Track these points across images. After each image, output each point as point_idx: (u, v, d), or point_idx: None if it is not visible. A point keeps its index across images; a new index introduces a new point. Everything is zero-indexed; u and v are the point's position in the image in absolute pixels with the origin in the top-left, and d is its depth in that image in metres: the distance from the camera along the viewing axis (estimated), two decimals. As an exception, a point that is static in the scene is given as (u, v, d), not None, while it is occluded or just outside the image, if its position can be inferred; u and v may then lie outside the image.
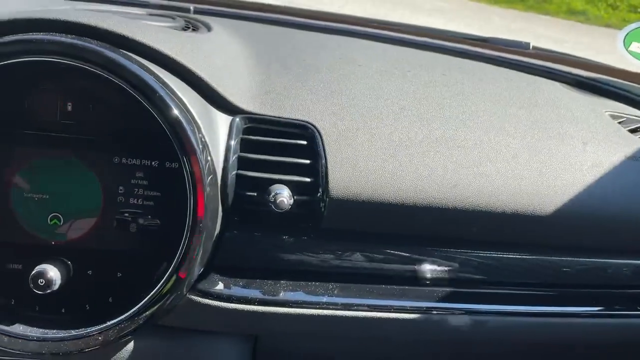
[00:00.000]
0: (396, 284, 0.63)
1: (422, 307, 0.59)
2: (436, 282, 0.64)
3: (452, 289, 0.61)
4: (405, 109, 0.64)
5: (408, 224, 0.61)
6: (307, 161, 0.58)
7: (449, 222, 0.60)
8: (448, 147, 0.61)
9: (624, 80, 0.91)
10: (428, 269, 0.64)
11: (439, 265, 0.64)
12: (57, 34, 0.50)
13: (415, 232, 0.63)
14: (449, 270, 0.63)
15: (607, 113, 0.77)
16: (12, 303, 0.54)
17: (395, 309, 0.59)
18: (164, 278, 0.53)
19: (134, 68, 0.50)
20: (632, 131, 0.74)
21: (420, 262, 0.63)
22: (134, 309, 0.53)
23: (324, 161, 0.57)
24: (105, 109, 0.52)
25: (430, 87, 0.71)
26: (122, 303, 0.54)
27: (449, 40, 0.93)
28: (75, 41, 0.48)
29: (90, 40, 0.49)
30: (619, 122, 0.75)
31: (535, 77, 0.88)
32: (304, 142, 0.59)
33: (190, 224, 0.52)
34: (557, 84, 0.87)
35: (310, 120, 0.60)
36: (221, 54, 0.66)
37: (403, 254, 0.63)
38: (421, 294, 0.61)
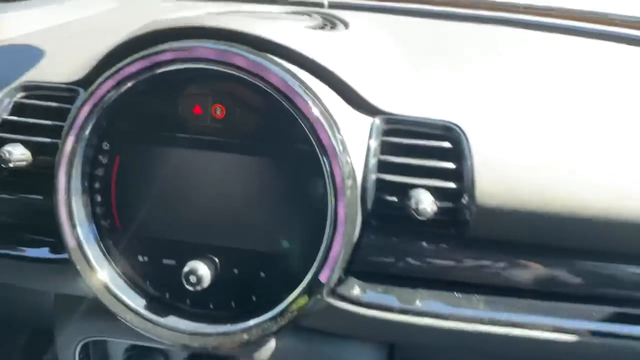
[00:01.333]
0: (546, 299, 0.57)
1: (588, 329, 0.53)
2: (596, 299, 0.57)
3: (620, 309, 0.54)
4: (565, 107, 0.58)
5: (562, 235, 0.55)
6: (452, 165, 0.55)
7: (616, 237, 0.53)
8: (615, 151, 0.54)
9: None
10: (586, 284, 0.57)
11: (600, 281, 0.57)
12: (209, 41, 0.51)
13: (571, 245, 0.56)
14: (614, 287, 0.56)
15: None
16: (167, 297, 0.57)
17: (552, 329, 0.53)
18: (305, 281, 0.53)
19: (277, 71, 0.50)
20: None
21: (578, 276, 0.57)
22: (276, 309, 0.54)
23: (470, 165, 0.54)
24: (250, 112, 0.54)
25: (593, 82, 0.63)
26: (264, 303, 0.55)
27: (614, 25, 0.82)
28: (227, 48, 0.49)
29: (239, 47, 0.51)
30: None
31: None
32: (449, 145, 0.55)
33: (331, 227, 0.51)
34: None
35: (455, 121, 0.56)
36: (360, 52, 0.65)
37: (555, 267, 0.57)
38: (580, 313, 0.55)
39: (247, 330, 0.55)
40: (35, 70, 0.62)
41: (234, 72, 0.51)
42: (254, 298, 0.56)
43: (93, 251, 0.56)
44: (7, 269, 0.62)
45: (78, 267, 0.55)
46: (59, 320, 0.65)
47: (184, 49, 0.50)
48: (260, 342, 0.58)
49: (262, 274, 0.55)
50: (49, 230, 0.61)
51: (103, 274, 0.55)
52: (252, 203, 0.54)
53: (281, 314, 0.54)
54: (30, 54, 0.65)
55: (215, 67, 0.51)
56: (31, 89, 0.62)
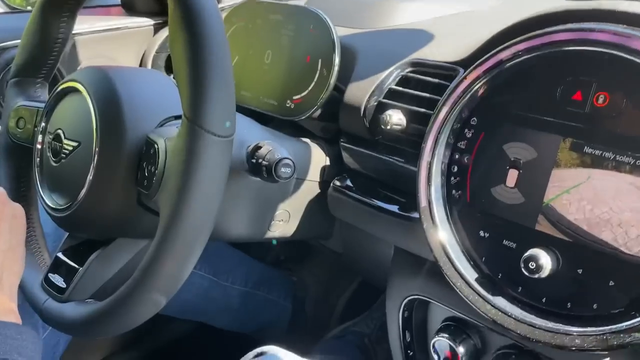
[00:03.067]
0: None
1: None
2: None
3: None
4: None
5: None
6: None
7: None
8: None
9: None
10: None
11: None
12: (608, 24, 0.49)
13: None
14: None
15: None
16: (499, 277, 0.58)
17: None
18: None
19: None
20: None
21: None
22: (620, 325, 0.48)
23: None
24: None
25: None
26: (605, 313, 0.50)
27: None
28: (632, 32, 0.46)
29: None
30: None
31: None
32: None
33: None
34: None
35: None
36: None
37: None
38: None
39: (582, 335, 0.51)
40: (423, 50, 0.70)
41: (632, 58, 0.47)
42: (594, 306, 0.51)
43: (439, 214, 0.60)
44: (365, 216, 0.72)
45: (424, 224, 0.60)
46: (393, 272, 0.73)
47: (583, 29, 0.49)
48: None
49: (611, 283, 0.50)
50: (402, 192, 0.68)
51: (444, 236, 0.59)
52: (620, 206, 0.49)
53: (625, 331, 0.48)
54: (421, 36, 0.73)
55: (611, 51, 0.48)
56: (417, 65, 0.70)
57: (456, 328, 0.66)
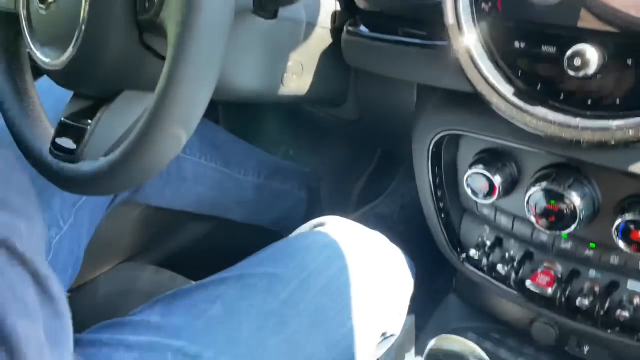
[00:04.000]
0: None
1: None
2: None
3: None
4: None
5: None
6: None
7: None
8: None
9: None
10: None
11: None
12: None
13: None
14: None
15: None
16: (538, 88, 0.54)
17: None
18: None
19: None
20: None
21: None
22: None
23: None
24: None
25: None
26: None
27: None
28: None
29: None
30: None
31: None
32: None
33: None
34: None
35: None
36: None
37: None
38: None
39: (633, 126, 0.47)
40: None
41: None
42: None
43: (469, 28, 0.55)
44: (385, 56, 0.68)
45: (453, 43, 0.55)
46: (418, 114, 0.69)
47: None
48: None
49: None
50: (423, 24, 0.64)
51: (475, 50, 0.54)
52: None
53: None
54: None
55: None
56: None
57: (490, 158, 0.64)
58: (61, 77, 0.55)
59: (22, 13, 0.57)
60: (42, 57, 0.56)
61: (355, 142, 1.13)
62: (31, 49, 0.57)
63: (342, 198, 1.20)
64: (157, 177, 0.80)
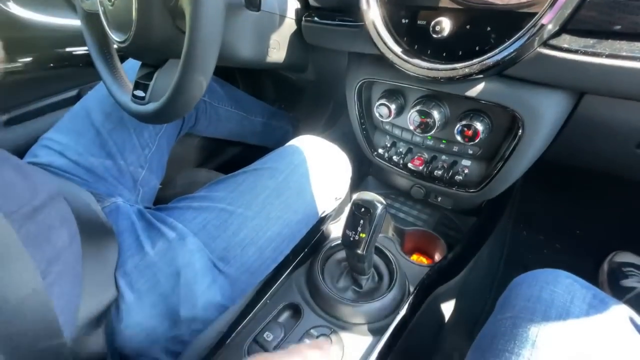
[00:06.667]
0: None
1: None
2: None
3: None
4: None
5: None
6: None
7: None
8: None
9: None
10: None
11: None
12: None
13: None
14: None
15: None
16: (415, 48, 0.57)
17: None
18: (528, 24, 0.45)
19: None
20: None
21: None
22: (496, 53, 0.48)
23: None
24: None
25: None
26: (487, 51, 0.50)
27: None
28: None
29: None
30: None
31: None
32: None
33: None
34: None
35: None
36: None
37: None
38: None
39: (469, 66, 0.51)
40: None
41: None
42: (477, 48, 0.51)
43: (375, 16, 0.57)
44: (329, 34, 0.71)
45: (364, 15, 0.58)
46: (349, 69, 0.73)
47: None
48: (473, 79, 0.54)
49: (488, 28, 0.49)
50: (351, 14, 0.65)
51: (379, 24, 0.57)
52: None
53: (495, 55, 0.48)
54: None
55: None
56: None
57: (389, 94, 0.71)
58: (129, 51, 0.59)
59: (100, 9, 0.57)
60: (117, 38, 0.59)
61: (316, 95, 1.16)
62: (109, 34, 0.58)
63: (312, 128, 1.24)
64: (204, 118, 0.83)
